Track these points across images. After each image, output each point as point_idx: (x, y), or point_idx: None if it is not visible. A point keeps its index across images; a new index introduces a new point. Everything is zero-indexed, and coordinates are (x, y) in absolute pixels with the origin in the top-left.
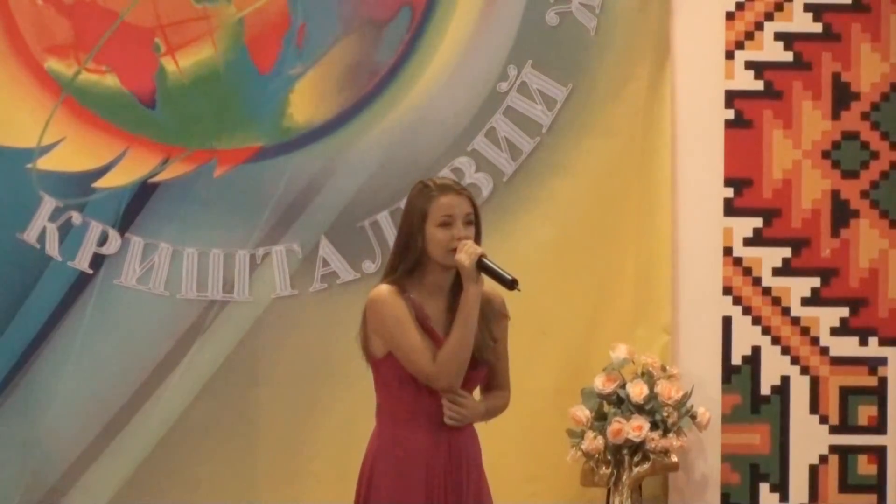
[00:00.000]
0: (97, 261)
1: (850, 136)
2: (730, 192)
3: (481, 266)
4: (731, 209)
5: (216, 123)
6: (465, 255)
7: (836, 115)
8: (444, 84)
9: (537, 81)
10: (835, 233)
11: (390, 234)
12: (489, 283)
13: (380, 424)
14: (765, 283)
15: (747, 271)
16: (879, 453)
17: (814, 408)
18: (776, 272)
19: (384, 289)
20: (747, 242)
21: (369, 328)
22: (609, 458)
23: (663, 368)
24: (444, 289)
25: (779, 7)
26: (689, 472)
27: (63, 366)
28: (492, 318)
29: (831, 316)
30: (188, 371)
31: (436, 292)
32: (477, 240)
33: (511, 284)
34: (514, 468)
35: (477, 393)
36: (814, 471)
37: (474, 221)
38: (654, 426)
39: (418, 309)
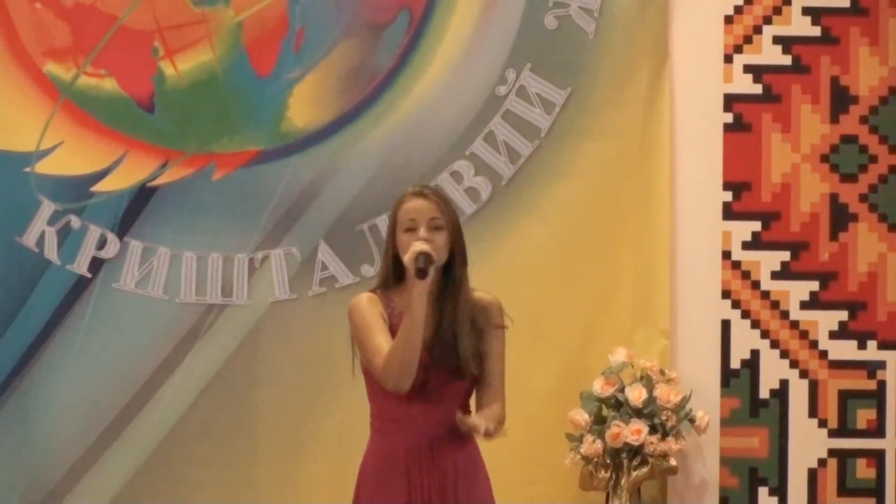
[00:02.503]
0: (96, 264)
1: (849, 139)
2: (728, 196)
3: (417, 265)
4: (729, 213)
5: (215, 127)
6: (409, 255)
7: (834, 119)
8: (443, 88)
9: (536, 85)
10: (833, 236)
11: None
12: (490, 290)
13: (370, 432)
14: (763, 286)
15: (746, 275)
16: (878, 457)
17: (812, 411)
18: (775, 276)
19: (361, 296)
20: (746, 246)
21: (351, 336)
22: (608, 461)
23: (662, 372)
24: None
25: (777, 11)
26: (687, 476)
27: (62, 369)
28: (484, 327)
29: (830, 319)
30: (187, 374)
31: None
32: (456, 245)
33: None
34: (513, 472)
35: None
36: (812, 474)
37: (445, 226)
38: (653, 430)
39: (397, 316)
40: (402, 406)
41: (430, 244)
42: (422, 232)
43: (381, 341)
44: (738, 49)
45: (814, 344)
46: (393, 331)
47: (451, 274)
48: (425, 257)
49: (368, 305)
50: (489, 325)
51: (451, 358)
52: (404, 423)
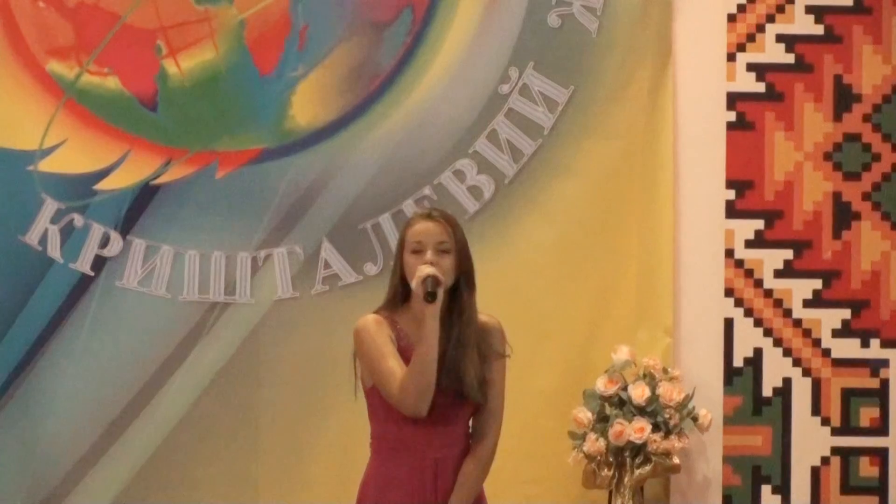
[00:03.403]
0: (99, 263)
1: (852, 137)
2: (731, 194)
3: (426, 288)
4: (732, 211)
5: (218, 125)
6: (416, 279)
7: (837, 117)
8: (446, 86)
9: (539, 83)
10: (836, 235)
11: (392, 237)
12: (494, 289)
13: (371, 453)
14: (766, 284)
15: (749, 273)
16: (881, 455)
17: (815, 409)
18: (778, 274)
19: (368, 318)
20: (749, 244)
21: (357, 357)
22: (611, 459)
23: (665, 370)
24: None
25: (780, 9)
26: (690, 474)
27: (65, 368)
28: (488, 355)
29: (833, 318)
30: (190, 373)
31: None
32: (463, 269)
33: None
34: (516, 470)
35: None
36: (815, 472)
37: (452, 249)
38: (656, 428)
39: (403, 338)
40: (407, 428)
41: (436, 267)
42: (428, 255)
43: (394, 365)
44: (741, 47)
45: (817, 342)
46: (401, 353)
47: (457, 298)
48: (432, 280)
49: (377, 328)
50: (491, 352)
51: (457, 382)
52: (409, 445)
